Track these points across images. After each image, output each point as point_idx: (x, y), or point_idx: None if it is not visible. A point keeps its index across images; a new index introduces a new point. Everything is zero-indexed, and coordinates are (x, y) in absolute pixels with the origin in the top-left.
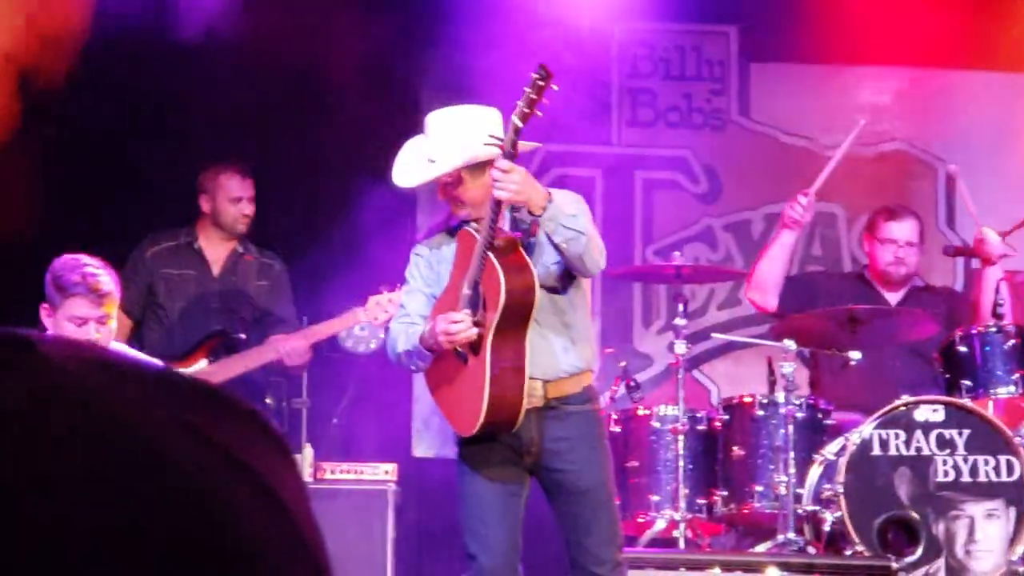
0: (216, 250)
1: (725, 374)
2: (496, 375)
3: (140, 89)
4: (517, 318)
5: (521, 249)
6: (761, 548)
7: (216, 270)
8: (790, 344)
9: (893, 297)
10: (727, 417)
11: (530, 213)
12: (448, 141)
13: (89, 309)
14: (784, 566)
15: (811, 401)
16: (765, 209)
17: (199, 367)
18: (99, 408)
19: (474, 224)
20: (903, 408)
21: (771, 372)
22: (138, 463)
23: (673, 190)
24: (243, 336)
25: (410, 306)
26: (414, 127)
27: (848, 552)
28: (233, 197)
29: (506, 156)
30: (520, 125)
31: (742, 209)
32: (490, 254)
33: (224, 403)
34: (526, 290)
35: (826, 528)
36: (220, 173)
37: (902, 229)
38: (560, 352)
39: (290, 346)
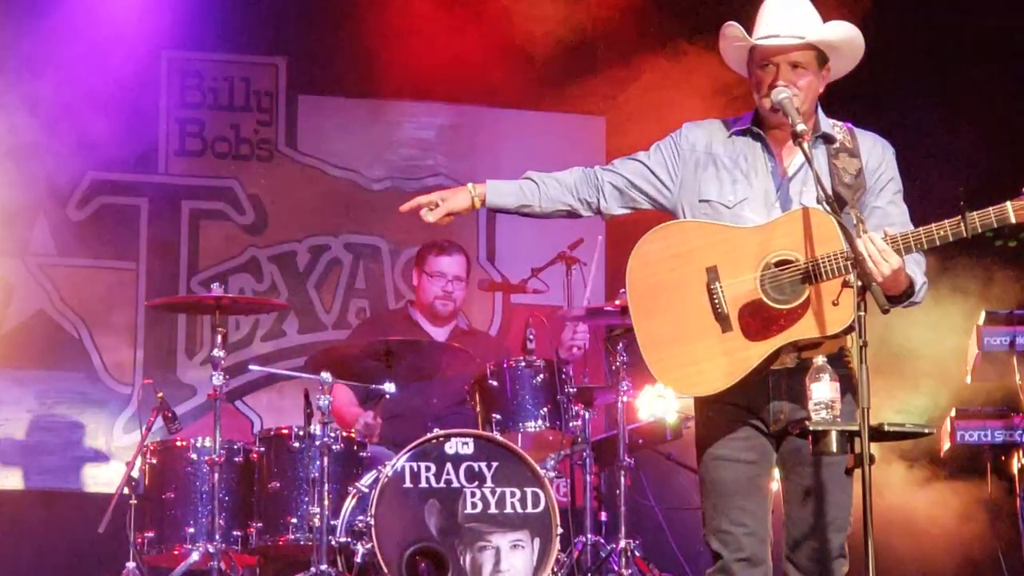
0: None
1: (269, 405)
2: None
3: None
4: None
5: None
6: None
7: None
8: (326, 377)
9: (439, 333)
10: (263, 449)
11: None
12: (802, 17)
13: None
14: None
15: (347, 434)
16: (310, 241)
17: None
18: None
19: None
20: (435, 441)
21: (308, 404)
22: None
23: (220, 220)
24: None
25: (625, 167)
26: None
27: None
28: None
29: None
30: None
31: (288, 240)
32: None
33: None
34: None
35: (358, 560)
36: None
37: (451, 264)
38: None
39: None
